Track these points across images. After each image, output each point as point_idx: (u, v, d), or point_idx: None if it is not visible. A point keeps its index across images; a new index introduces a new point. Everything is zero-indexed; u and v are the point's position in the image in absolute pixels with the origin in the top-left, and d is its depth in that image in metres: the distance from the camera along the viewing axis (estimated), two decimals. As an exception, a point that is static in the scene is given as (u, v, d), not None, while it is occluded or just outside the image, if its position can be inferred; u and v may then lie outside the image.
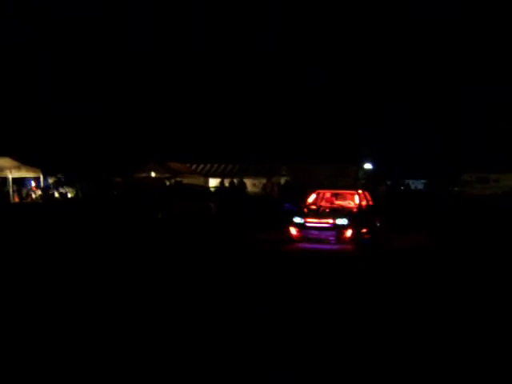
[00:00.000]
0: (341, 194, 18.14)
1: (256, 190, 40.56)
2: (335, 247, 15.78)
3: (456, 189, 41.76)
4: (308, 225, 16.09)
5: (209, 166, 45.43)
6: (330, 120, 48.32)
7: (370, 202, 18.04)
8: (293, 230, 16.24)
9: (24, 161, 37.72)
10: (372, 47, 53.31)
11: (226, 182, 37.65)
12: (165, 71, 47.08)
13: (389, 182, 37.80)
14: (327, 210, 16.65)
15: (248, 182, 41.80)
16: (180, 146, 44.52)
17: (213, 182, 43.45)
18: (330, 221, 15.92)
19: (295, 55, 51.90)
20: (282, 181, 42.03)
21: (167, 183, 37.58)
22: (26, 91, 43.86)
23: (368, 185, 35.11)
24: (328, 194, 18.13)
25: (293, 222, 16.24)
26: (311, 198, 17.67)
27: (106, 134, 43.55)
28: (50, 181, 39.53)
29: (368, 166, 44.98)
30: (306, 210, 16.83)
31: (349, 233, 15.75)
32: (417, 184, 43.98)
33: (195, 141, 45.89)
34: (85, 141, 42.21)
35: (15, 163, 37.07)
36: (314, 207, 17.12)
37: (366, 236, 16.84)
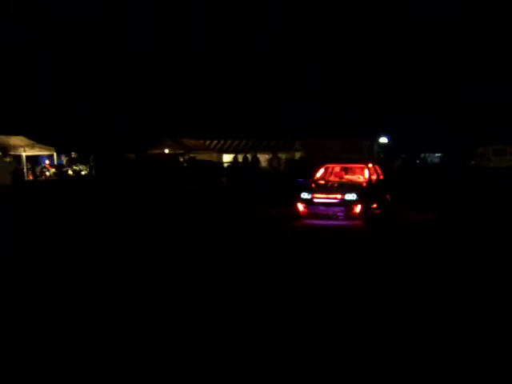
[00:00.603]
0: (350, 169, 17.40)
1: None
2: (344, 223, 15.13)
3: (472, 162, 40.66)
4: (315, 200, 15.43)
5: (222, 141, 44.69)
6: (344, 94, 47.27)
7: (381, 176, 17.32)
8: (300, 206, 15.60)
9: (38, 139, 37.53)
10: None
11: (240, 158, 36.94)
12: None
13: (403, 156, 36.85)
14: (335, 185, 15.95)
15: (262, 157, 41.21)
16: (194, 122, 43.80)
17: (227, 158, 42.89)
18: (339, 196, 15.25)
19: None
20: (297, 156, 41.41)
21: (181, 159, 37.06)
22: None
23: (382, 159, 34.43)
24: (337, 168, 17.40)
25: (300, 197, 15.57)
26: (319, 173, 16.99)
27: (119, 112, 42.96)
28: (64, 159, 39.24)
29: (384, 139, 43.98)
30: (313, 185, 16.15)
31: (358, 208, 15.07)
32: (432, 158, 42.96)
33: (209, 117, 45.11)
34: (98, 118, 41.64)
35: (29, 141, 37.14)
36: (322, 182, 16.44)
37: (376, 211, 16.17)
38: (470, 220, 15.52)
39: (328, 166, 17.47)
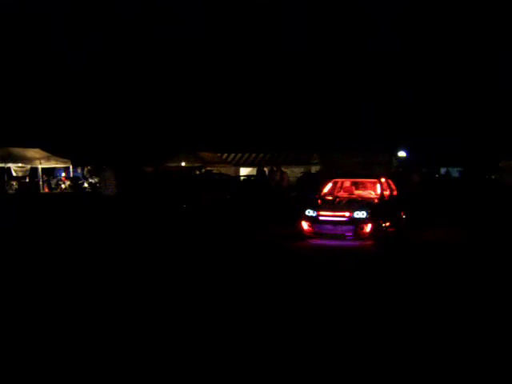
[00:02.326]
0: (361, 183, 15.34)
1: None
2: (353, 244, 13.08)
3: (493, 176, 38.08)
4: (321, 218, 13.43)
5: (240, 155, 42.82)
6: (364, 107, 45.21)
7: (395, 192, 15.23)
8: (304, 225, 13.60)
9: (54, 151, 36.32)
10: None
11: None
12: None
13: (424, 170, 34.55)
14: (344, 202, 13.90)
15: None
16: (211, 135, 42.09)
17: (244, 171, 41.22)
18: (347, 213, 13.25)
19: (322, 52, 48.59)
20: (314, 170, 39.67)
21: (197, 172, 35.35)
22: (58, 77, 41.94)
23: (400, 173, 32.22)
24: (347, 182, 15.33)
25: (304, 214, 13.53)
26: (327, 188, 14.93)
27: (136, 124, 41.45)
28: (80, 171, 37.91)
29: (402, 153, 41.70)
30: (320, 201, 14.10)
31: (368, 227, 13.04)
32: (452, 172, 40.47)
33: (226, 130, 43.37)
34: (115, 131, 40.16)
35: (45, 154, 36.10)
36: (329, 198, 14.38)
37: (389, 230, 14.07)
38: (491, 242, 13.34)
39: (337, 180, 15.41)
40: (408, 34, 48.44)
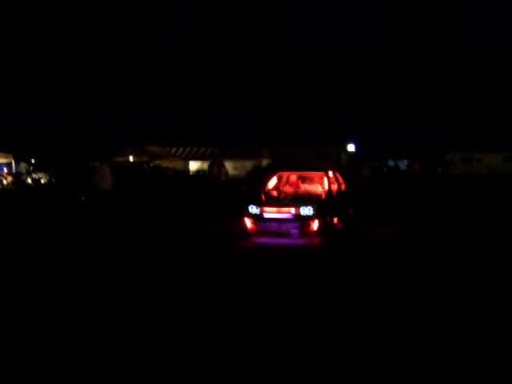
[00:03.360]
0: (307, 177, 14.12)
1: (237, 173, 37.36)
2: (299, 242, 11.84)
3: (440, 169, 37.68)
4: (265, 215, 12.18)
5: (189, 149, 41.39)
6: (313, 101, 44.25)
7: (343, 186, 14.07)
8: (247, 222, 12.27)
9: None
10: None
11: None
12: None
13: (374, 163, 33.82)
14: (289, 197, 12.61)
15: (229, 165, 38.44)
16: (159, 129, 40.55)
17: (193, 166, 39.92)
18: (292, 210, 11.97)
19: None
20: (264, 163, 38.79)
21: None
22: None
23: (350, 166, 31.33)
24: (293, 176, 14.04)
25: (247, 211, 12.21)
26: (271, 182, 13.63)
27: (83, 118, 39.53)
28: (22, 167, 35.82)
29: (351, 147, 40.96)
30: (263, 196, 12.79)
31: (315, 224, 11.87)
32: (400, 164, 39.94)
33: (175, 123, 41.91)
34: (60, 126, 38.15)
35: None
36: (274, 193, 13.08)
37: (337, 227, 12.89)
38: (439, 236, 12.36)
39: (282, 173, 14.13)
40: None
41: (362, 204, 15.39)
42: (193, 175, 30.32)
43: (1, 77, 39.19)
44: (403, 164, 39.56)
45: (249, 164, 39.11)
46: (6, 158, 34.52)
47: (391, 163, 38.43)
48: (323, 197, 12.85)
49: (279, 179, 13.97)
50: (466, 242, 11.59)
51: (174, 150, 41.25)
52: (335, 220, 12.83)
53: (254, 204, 12.40)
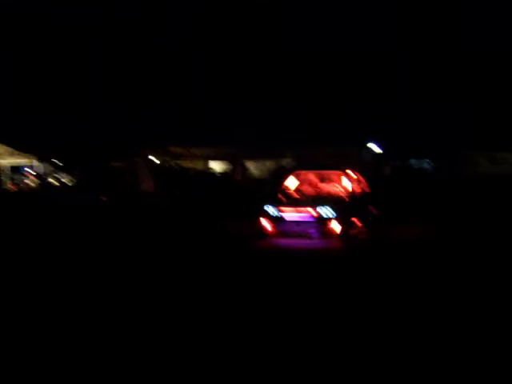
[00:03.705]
0: (326, 176, 13.61)
1: (259, 173, 37.06)
2: (318, 244, 11.38)
3: (462, 168, 36.68)
4: (283, 216, 11.67)
5: (209, 149, 40.97)
6: (335, 100, 43.62)
7: (364, 185, 13.56)
8: (264, 223, 11.82)
9: (19, 147, 34.19)
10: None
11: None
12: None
13: (396, 163, 33.09)
14: (308, 197, 12.13)
15: (251, 165, 38.11)
16: (181, 129, 40.16)
17: (214, 166, 39.59)
18: (311, 210, 11.48)
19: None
20: (285, 163, 38.28)
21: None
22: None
23: (371, 166, 30.81)
24: (311, 175, 13.57)
25: (264, 211, 11.77)
26: (289, 181, 13.17)
27: (103, 118, 39.42)
28: (46, 167, 35.79)
29: (373, 146, 40.17)
30: (281, 196, 12.33)
31: (335, 225, 11.36)
32: (422, 163, 38.98)
33: (196, 123, 41.48)
34: (84, 127, 38.10)
35: (9, 150, 34.03)
36: (291, 193, 12.62)
37: (358, 228, 12.39)
38: (466, 239, 11.85)
39: (300, 172, 13.67)
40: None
41: (384, 204, 14.89)
42: (209, 175, 29.93)
43: (11, 76, 39.09)
44: (425, 163, 38.65)
45: (271, 164, 38.66)
46: (29, 158, 34.55)
47: (413, 162, 37.53)
48: (343, 196, 12.38)
49: (297, 178, 13.53)
50: (494, 245, 11.07)
51: (194, 150, 40.89)
52: (356, 221, 12.36)
53: (271, 204, 11.98)
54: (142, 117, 40.54)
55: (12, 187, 32.89)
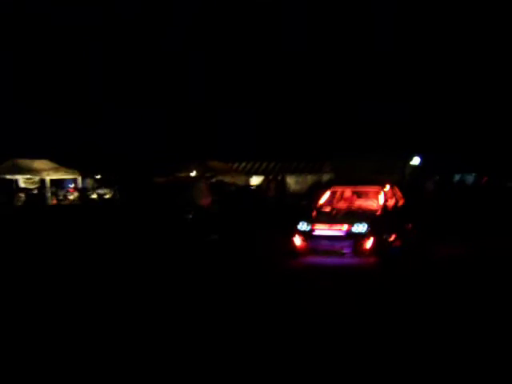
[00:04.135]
0: (363, 192, 13.22)
1: (299, 187, 36.66)
2: (352, 261, 10.98)
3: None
4: (316, 233, 11.34)
5: (251, 164, 40.86)
6: (378, 113, 42.99)
7: (401, 201, 13.06)
8: (297, 240, 11.49)
9: (62, 163, 34.68)
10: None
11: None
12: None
13: (437, 177, 32.09)
14: (342, 213, 11.77)
15: (291, 180, 37.71)
16: (221, 144, 40.24)
17: (255, 181, 39.40)
18: (345, 227, 11.11)
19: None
20: (325, 178, 37.77)
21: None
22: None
23: (413, 180, 29.98)
24: (347, 191, 13.18)
25: (297, 228, 11.44)
26: (324, 198, 12.82)
27: (145, 134, 39.79)
28: (88, 182, 36.20)
29: (416, 160, 39.21)
30: (315, 213, 11.98)
31: (369, 242, 10.97)
32: (467, 179, 37.82)
33: (236, 139, 41.49)
34: (124, 142, 38.53)
35: (53, 165, 34.49)
36: (325, 209, 12.25)
37: (395, 245, 11.91)
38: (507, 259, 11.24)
39: (336, 188, 13.28)
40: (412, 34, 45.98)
41: (424, 221, 14.37)
42: (246, 190, 29.61)
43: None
44: (471, 178, 37.47)
45: (311, 178, 38.27)
46: (73, 174, 34.93)
47: (457, 177, 36.45)
48: (379, 213, 11.93)
49: (333, 195, 13.15)
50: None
51: (236, 165, 40.84)
52: (392, 237, 11.88)
53: (305, 221, 11.64)
54: (181, 132, 40.78)
55: (64, 200, 33.34)
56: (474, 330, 6.37)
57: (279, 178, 33.02)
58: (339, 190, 13.34)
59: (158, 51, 44.32)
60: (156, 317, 7.33)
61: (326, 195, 13.00)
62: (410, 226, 13.22)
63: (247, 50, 45.09)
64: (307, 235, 11.43)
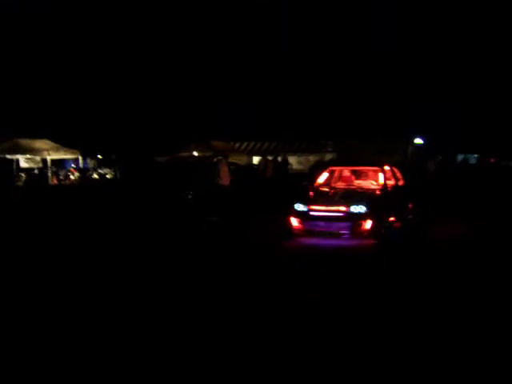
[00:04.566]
0: (362, 172, 12.91)
1: (301, 167, 36.34)
2: (349, 243, 10.73)
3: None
4: (313, 213, 11.08)
5: (252, 143, 40.49)
6: (379, 92, 42.52)
7: (401, 181, 12.77)
8: (294, 221, 11.23)
9: (63, 142, 34.38)
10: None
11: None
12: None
13: (440, 158, 31.75)
14: (340, 194, 11.48)
15: (293, 160, 37.36)
16: (222, 123, 39.85)
17: (256, 161, 39.08)
18: (343, 208, 10.83)
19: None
20: (327, 158, 37.45)
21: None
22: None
23: (415, 161, 29.67)
24: (346, 171, 12.89)
25: (293, 209, 11.18)
26: (322, 178, 12.53)
27: (146, 114, 39.41)
28: (90, 162, 35.96)
29: (418, 140, 38.84)
30: (312, 193, 11.72)
31: (367, 223, 10.71)
32: (470, 159, 37.49)
33: (237, 118, 41.08)
34: (125, 122, 38.15)
35: (53, 145, 34.16)
36: (323, 190, 11.98)
37: (394, 226, 11.65)
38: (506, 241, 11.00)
39: (334, 168, 13.00)
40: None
41: (425, 201, 14.13)
42: (245, 170, 29.32)
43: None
44: (473, 159, 37.12)
45: (313, 159, 37.92)
46: (73, 153, 34.62)
47: (460, 157, 36.11)
48: (377, 193, 11.65)
49: (331, 175, 12.86)
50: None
51: (237, 145, 40.48)
52: (391, 218, 11.61)
53: (301, 201, 11.37)
54: (184, 112, 40.40)
55: (65, 181, 33.16)
56: (474, 315, 6.15)
57: (280, 158, 32.74)
58: (338, 169, 13.05)
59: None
60: (153, 300, 7.14)
61: (324, 175, 12.72)
62: (410, 206, 12.96)
63: (250, 32, 44.64)
64: (304, 216, 11.17)
